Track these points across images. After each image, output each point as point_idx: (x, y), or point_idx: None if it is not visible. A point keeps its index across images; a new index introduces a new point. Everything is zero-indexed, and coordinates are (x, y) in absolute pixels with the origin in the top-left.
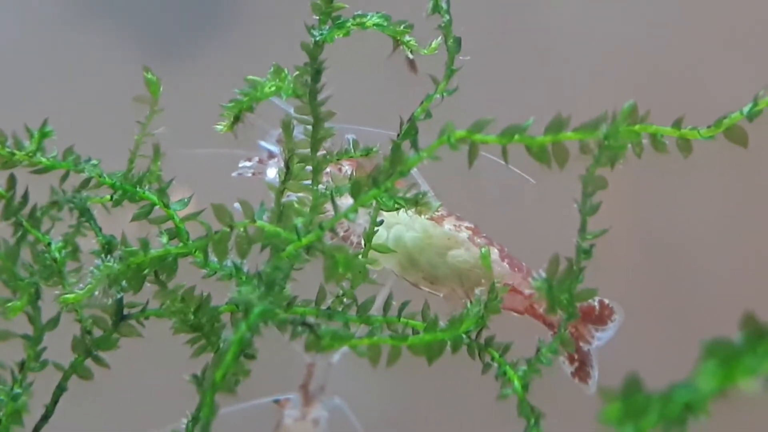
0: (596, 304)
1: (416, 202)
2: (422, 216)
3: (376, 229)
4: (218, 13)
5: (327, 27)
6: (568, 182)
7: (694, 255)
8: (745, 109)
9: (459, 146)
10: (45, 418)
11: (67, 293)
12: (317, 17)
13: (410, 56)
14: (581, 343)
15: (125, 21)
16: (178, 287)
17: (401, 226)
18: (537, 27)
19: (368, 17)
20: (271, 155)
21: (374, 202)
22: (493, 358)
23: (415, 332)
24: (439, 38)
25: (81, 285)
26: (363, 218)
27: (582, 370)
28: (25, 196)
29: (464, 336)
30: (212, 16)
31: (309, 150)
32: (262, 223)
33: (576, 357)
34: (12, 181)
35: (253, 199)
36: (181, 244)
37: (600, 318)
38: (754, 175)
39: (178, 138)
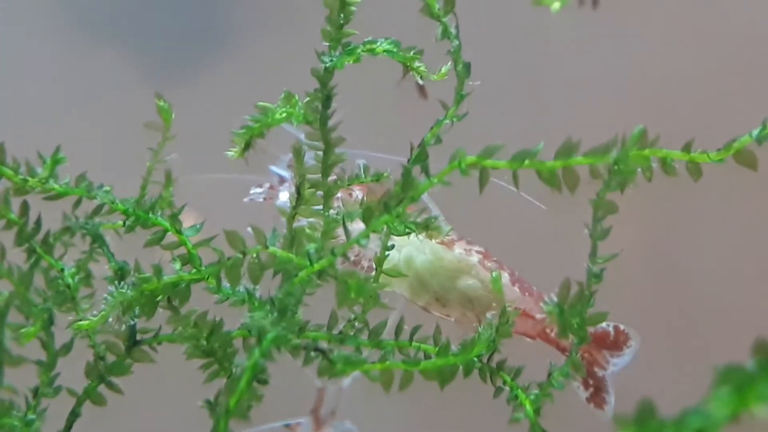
0: (611, 329)
1: (427, 227)
2: (433, 240)
3: (387, 253)
4: (229, 40)
5: (337, 53)
6: (578, 207)
7: (706, 279)
8: (755, 133)
9: (470, 171)
10: None
11: (80, 320)
12: (327, 44)
13: (420, 82)
14: (596, 369)
15: (136, 47)
16: (190, 313)
17: (412, 249)
18: (546, 52)
19: (378, 43)
20: (282, 180)
21: (385, 227)
22: (504, 382)
23: (427, 356)
24: (449, 64)
25: (94, 311)
26: (374, 243)
27: (597, 396)
28: (38, 223)
29: (476, 360)
30: (223, 42)
31: (320, 175)
32: (274, 249)
33: (591, 382)
34: (25, 208)
35: (264, 225)
36: (194, 270)
37: (615, 344)
38: (765, 197)
39: (190, 164)
